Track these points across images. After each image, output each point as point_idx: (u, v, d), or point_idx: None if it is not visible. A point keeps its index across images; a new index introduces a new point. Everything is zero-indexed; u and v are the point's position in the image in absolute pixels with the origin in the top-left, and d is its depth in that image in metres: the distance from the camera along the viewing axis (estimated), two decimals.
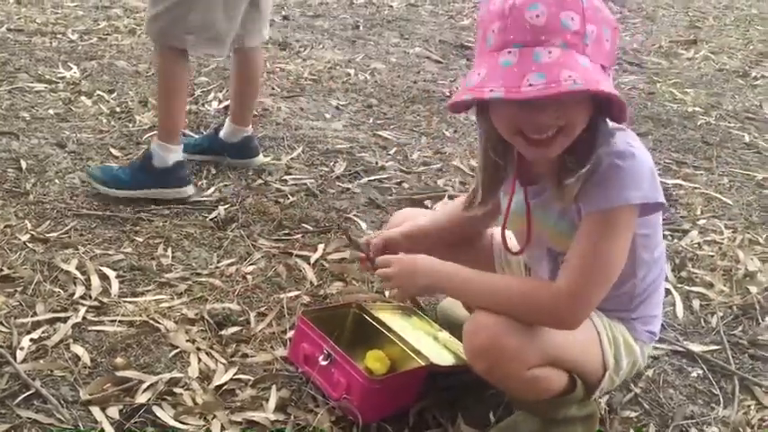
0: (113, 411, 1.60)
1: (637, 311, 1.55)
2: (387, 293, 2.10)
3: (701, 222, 2.70)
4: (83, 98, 3.32)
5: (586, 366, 1.50)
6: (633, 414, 1.75)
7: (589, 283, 1.34)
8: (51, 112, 3.14)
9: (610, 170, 1.30)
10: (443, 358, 1.80)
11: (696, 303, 2.21)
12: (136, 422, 1.57)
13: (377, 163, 2.99)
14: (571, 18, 1.21)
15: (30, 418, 1.56)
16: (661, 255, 1.56)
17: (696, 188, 2.99)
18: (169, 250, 2.23)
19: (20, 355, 1.73)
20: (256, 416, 1.62)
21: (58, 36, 4.14)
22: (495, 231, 1.74)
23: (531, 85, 1.17)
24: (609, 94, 1.20)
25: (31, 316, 1.87)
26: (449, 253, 1.56)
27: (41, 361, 1.73)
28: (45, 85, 3.41)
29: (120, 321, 1.88)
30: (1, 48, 3.83)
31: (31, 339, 1.78)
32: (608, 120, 1.34)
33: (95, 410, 1.59)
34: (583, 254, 1.34)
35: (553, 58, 1.19)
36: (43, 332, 1.82)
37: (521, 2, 1.21)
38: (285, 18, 5.11)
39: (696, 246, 2.54)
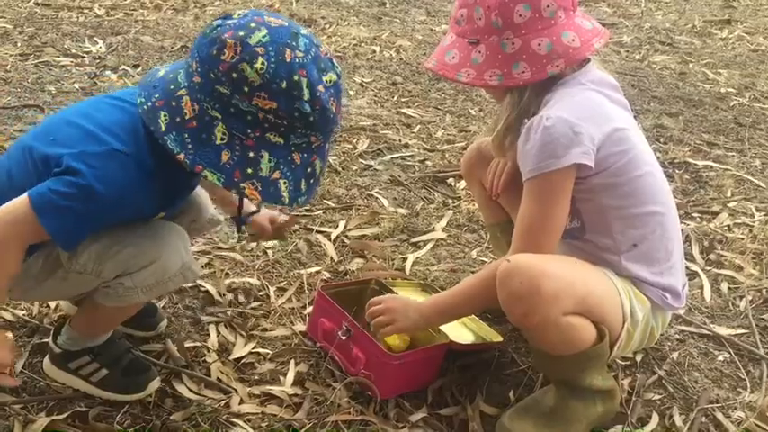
0: None
1: (635, 270, 1.52)
2: (410, 263, 2.09)
3: (732, 205, 2.63)
4: (108, 72, 3.33)
5: (611, 316, 1.48)
6: (657, 397, 1.71)
7: (530, 244, 1.46)
8: (77, 86, 3.16)
9: (529, 140, 1.44)
10: (463, 336, 1.78)
11: (724, 286, 2.16)
12: (153, 394, 1.57)
13: (400, 140, 2.96)
14: (455, 8, 1.51)
15: (55, 389, 1.57)
16: (654, 212, 1.53)
17: (727, 170, 2.92)
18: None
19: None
20: (274, 389, 1.62)
21: (85, 11, 4.15)
22: None
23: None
24: (428, 67, 1.53)
25: None
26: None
27: None
28: (71, 60, 3.43)
29: None
30: (28, 22, 3.85)
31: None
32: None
33: None
34: (523, 220, 1.49)
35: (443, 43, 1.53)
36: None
37: None
38: None
39: (726, 228, 2.48)
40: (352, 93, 3.44)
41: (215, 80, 1.21)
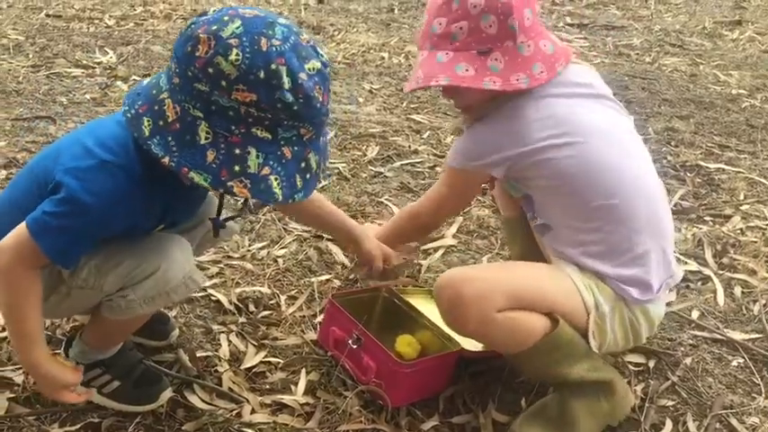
0: None
1: (592, 263, 1.52)
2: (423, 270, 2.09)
3: (744, 208, 2.62)
4: (119, 83, 3.36)
5: (566, 307, 1.51)
6: (670, 403, 1.70)
7: (428, 212, 1.78)
8: (88, 96, 3.18)
9: (470, 128, 1.59)
10: (474, 343, 1.77)
11: (738, 290, 2.14)
12: (165, 404, 1.57)
13: (410, 147, 2.96)
14: (439, 23, 1.48)
15: None
16: (607, 206, 1.52)
17: (739, 172, 2.90)
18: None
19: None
20: (286, 398, 1.62)
21: (96, 21, 4.19)
22: None
23: (408, 81, 1.53)
24: (434, 85, 1.49)
25: None
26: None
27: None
28: (82, 70, 3.46)
29: None
30: (40, 33, 3.88)
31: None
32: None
33: None
34: (431, 189, 1.77)
35: (421, 59, 1.51)
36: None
37: (425, 12, 1.54)
38: (320, 2, 5.10)
39: (738, 231, 2.46)
40: (361, 99, 3.44)
41: (193, 78, 1.18)
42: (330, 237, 2.26)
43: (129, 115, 1.25)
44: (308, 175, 1.27)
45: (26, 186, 1.38)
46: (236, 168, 1.20)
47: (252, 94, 1.17)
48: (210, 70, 1.17)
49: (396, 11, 5.08)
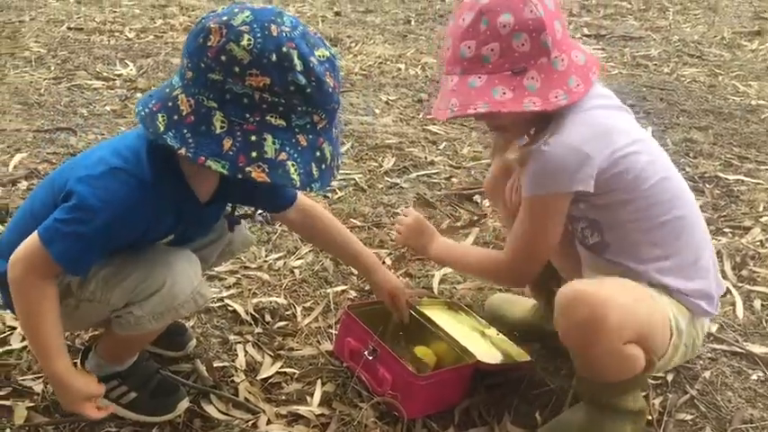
0: None
1: (666, 280, 1.50)
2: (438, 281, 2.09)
3: (764, 219, 2.59)
4: (138, 95, 3.39)
5: (660, 336, 1.48)
6: (689, 417, 1.68)
7: (518, 258, 1.57)
8: (108, 108, 3.22)
9: (537, 159, 1.48)
10: (491, 356, 1.77)
11: (757, 303, 2.12)
12: (182, 415, 1.58)
13: (426, 158, 2.97)
14: (468, 47, 1.42)
15: None
16: (676, 218, 1.52)
17: (759, 184, 2.87)
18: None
19: None
20: (301, 409, 1.62)
21: (116, 34, 4.24)
22: None
23: (441, 108, 1.45)
24: (473, 114, 1.43)
25: None
26: None
27: None
28: (102, 83, 3.50)
29: None
30: (61, 46, 3.94)
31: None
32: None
33: None
34: (517, 233, 1.56)
35: (451, 85, 1.44)
36: None
37: (445, 35, 1.48)
38: (337, 14, 5.13)
39: (758, 243, 2.43)
40: (377, 111, 3.46)
41: (206, 68, 1.20)
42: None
43: (143, 114, 1.27)
44: (323, 166, 1.27)
45: (44, 198, 1.40)
46: (254, 154, 1.20)
47: (265, 78, 1.19)
48: (223, 58, 1.19)
49: (412, 22, 5.10)
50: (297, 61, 1.19)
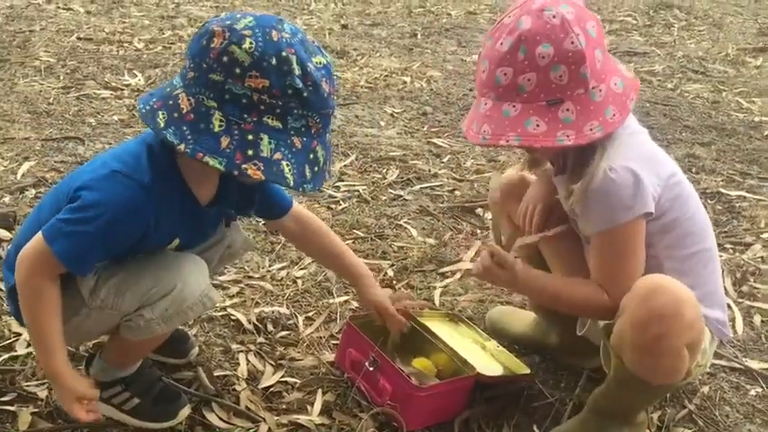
0: None
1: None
2: (439, 293, 2.10)
3: (765, 236, 2.60)
4: None
5: (701, 344, 1.49)
6: (687, 431, 1.69)
7: (618, 283, 1.46)
8: (116, 118, 3.25)
9: (596, 194, 1.44)
10: (491, 368, 1.78)
11: (757, 319, 2.13)
12: (184, 422, 1.60)
13: (430, 170, 2.99)
14: (504, 74, 1.39)
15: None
16: (705, 249, 1.55)
17: (761, 200, 2.88)
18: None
19: None
20: (302, 418, 1.64)
21: (125, 45, 4.29)
22: None
23: (474, 130, 1.44)
24: (504, 145, 1.40)
25: None
26: None
27: None
28: (111, 92, 3.54)
29: None
30: (71, 56, 3.98)
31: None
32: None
33: None
34: (602, 266, 1.51)
35: (485, 110, 1.43)
36: None
37: (481, 56, 1.45)
38: (344, 27, 5.17)
39: (759, 260, 2.44)
40: (382, 123, 3.48)
41: (208, 69, 1.25)
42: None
43: (144, 111, 1.31)
44: (315, 168, 1.32)
45: (50, 206, 1.44)
46: (250, 152, 1.25)
47: (264, 80, 1.24)
48: (225, 59, 1.24)
49: (418, 36, 5.14)
50: (295, 66, 1.25)
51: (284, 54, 1.24)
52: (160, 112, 1.28)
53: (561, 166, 1.58)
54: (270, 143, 1.26)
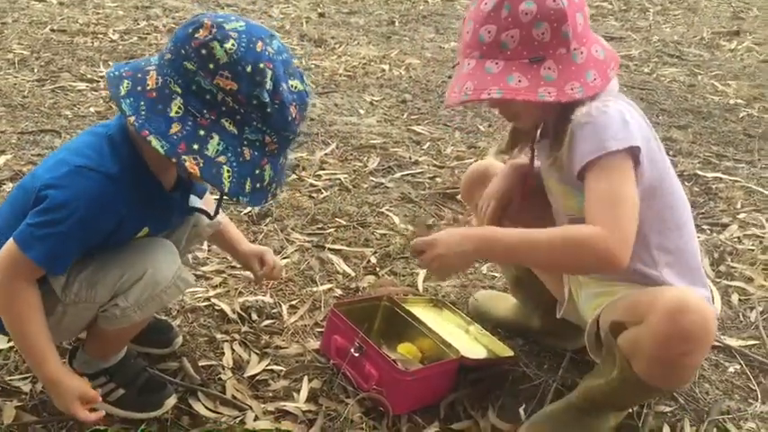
0: None
1: (678, 283, 1.51)
2: (422, 279, 2.12)
3: (742, 216, 2.64)
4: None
5: None
6: (668, 409, 1.72)
7: (617, 218, 1.34)
8: (92, 110, 3.22)
9: (585, 128, 1.40)
10: (474, 351, 1.80)
11: (735, 298, 2.17)
12: (171, 411, 1.60)
13: (410, 158, 2.99)
14: (488, 31, 1.40)
15: None
16: (688, 221, 1.56)
17: (737, 181, 2.93)
18: (205, 244, 2.26)
19: None
20: (288, 405, 1.64)
21: (100, 36, 4.23)
22: None
23: (455, 91, 1.43)
24: (486, 99, 1.40)
25: None
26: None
27: None
28: (86, 84, 3.50)
29: (156, 313, 1.92)
30: (45, 48, 3.93)
31: None
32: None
33: None
34: (598, 198, 1.37)
35: (468, 69, 1.42)
36: None
37: (466, 19, 1.46)
38: (321, 15, 5.15)
39: (736, 240, 2.49)
40: (362, 111, 3.48)
41: (184, 56, 1.25)
42: (331, 247, 2.30)
43: (111, 75, 1.30)
44: (257, 185, 1.30)
45: (16, 205, 1.42)
46: (195, 146, 1.24)
47: (234, 83, 1.23)
48: (204, 51, 1.24)
49: (396, 23, 5.13)
50: (268, 80, 1.25)
51: (261, 66, 1.24)
52: (126, 81, 1.28)
53: (543, 131, 1.58)
54: (218, 145, 1.25)
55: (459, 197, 2.69)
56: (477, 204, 1.79)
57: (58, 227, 1.30)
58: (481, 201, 1.75)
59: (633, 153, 1.38)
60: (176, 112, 1.25)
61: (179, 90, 1.25)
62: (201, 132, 1.25)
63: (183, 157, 1.24)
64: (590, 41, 1.44)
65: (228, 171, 1.26)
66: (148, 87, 1.26)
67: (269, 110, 1.26)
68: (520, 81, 1.39)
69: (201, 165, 1.24)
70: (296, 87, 1.29)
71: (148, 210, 1.43)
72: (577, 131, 1.41)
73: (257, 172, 1.29)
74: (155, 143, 1.23)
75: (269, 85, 1.24)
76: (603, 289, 1.57)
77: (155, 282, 1.42)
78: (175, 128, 1.24)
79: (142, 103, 1.25)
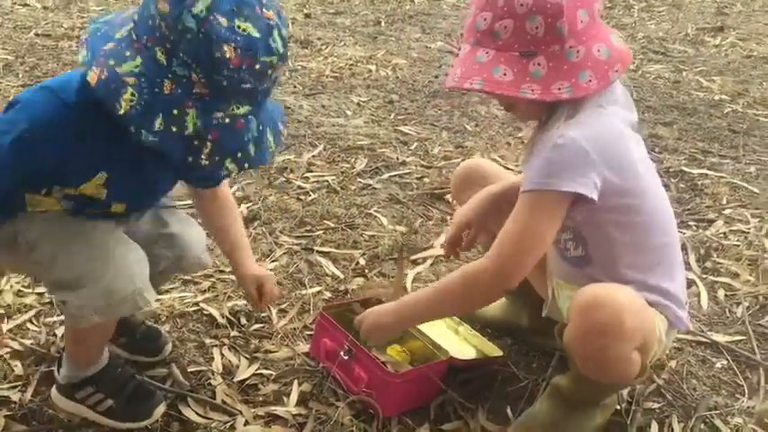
0: None
1: (654, 296, 1.51)
2: (411, 280, 2.12)
3: (727, 212, 2.66)
4: None
5: (653, 347, 1.50)
6: (656, 405, 1.73)
7: (506, 255, 1.43)
8: None
9: (541, 156, 1.40)
10: (464, 352, 1.81)
11: (721, 293, 2.19)
12: (160, 417, 1.60)
13: (398, 158, 3.00)
14: (484, 18, 1.38)
15: (63, 416, 1.60)
16: (664, 244, 1.54)
17: (722, 177, 2.95)
18: None
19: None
20: (279, 410, 1.65)
21: None
22: None
23: (446, 75, 1.42)
24: (468, 89, 1.38)
25: (58, 315, 1.91)
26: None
27: None
28: None
29: (146, 320, 1.91)
30: (29, 53, 3.91)
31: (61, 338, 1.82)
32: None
33: None
34: (505, 230, 1.44)
35: (462, 54, 1.41)
36: None
37: (471, 3, 1.44)
38: (307, 16, 5.14)
39: (721, 235, 2.50)
40: (349, 112, 3.48)
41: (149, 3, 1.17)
42: (320, 249, 2.30)
43: (94, 22, 1.28)
44: (173, 128, 1.16)
45: None
46: (111, 62, 1.17)
47: (166, 5, 1.14)
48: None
49: (382, 24, 5.13)
50: (200, 5, 1.13)
51: None
52: (100, 27, 1.25)
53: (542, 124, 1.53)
54: (136, 68, 1.16)
55: (448, 197, 2.70)
56: (467, 198, 1.80)
57: (2, 137, 1.26)
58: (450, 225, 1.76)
59: (570, 197, 1.39)
60: (120, 36, 1.21)
61: (136, 17, 1.21)
62: (128, 53, 1.17)
63: (94, 67, 1.16)
64: (593, 39, 1.37)
65: (133, 95, 1.14)
66: (117, 22, 1.24)
67: (190, 36, 1.13)
68: (505, 74, 1.36)
69: (103, 77, 1.15)
70: (244, 30, 1.14)
71: (104, 152, 1.33)
72: (540, 149, 1.41)
73: (175, 112, 1.16)
74: (82, 53, 1.19)
75: (198, 9, 1.12)
76: (574, 292, 1.58)
77: (110, 290, 1.36)
78: (109, 45, 1.19)
79: (103, 31, 1.23)
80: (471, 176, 1.84)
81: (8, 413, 1.57)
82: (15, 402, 1.60)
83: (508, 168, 2.69)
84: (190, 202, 2.37)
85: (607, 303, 1.36)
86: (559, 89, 1.35)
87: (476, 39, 1.40)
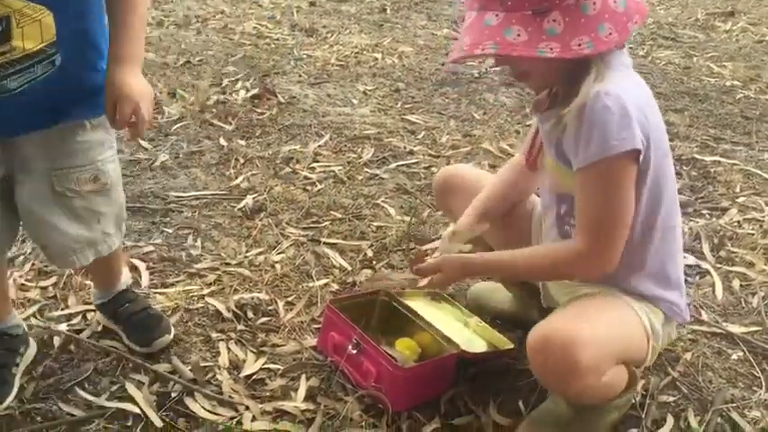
0: (144, 403, 1.61)
1: (644, 287, 1.48)
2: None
3: (741, 200, 2.61)
4: None
5: (638, 346, 1.46)
6: (671, 399, 1.70)
7: (599, 241, 1.36)
8: None
9: (590, 123, 1.30)
10: (474, 345, 1.78)
11: (736, 283, 2.14)
12: (167, 413, 1.57)
13: (405, 148, 2.96)
14: None
15: (67, 413, 1.57)
16: (675, 226, 1.49)
17: (735, 164, 2.89)
18: (198, 241, 2.24)
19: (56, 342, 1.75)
20: (286, 405, 1.62)
21: None
22: (535, 200, 1.73)
23: (453, 50, 1.33)
24: (481, 55, 1.29)
25: (62, 309, 1.89)
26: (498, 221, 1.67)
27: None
28: None
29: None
30: None
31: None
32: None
33: (127, 405, 1.61)
34: (585, 211, 1.36)
35: (469, 22, 1.32)
36: (76, 324, 1.84)
37: None
38: (312, 4, 5.09)
39: (736, 224, 2.46)
40: (355, 101, 3.44)
41: None
42: (327, 241, 2.26)
43: None
44: None
45: None
46: None
47: None
48: None
49: (388, 11, 5.07)
50: None
51: None
52: None
53: (553, 97, 1.46)
54: None
55: None
56: (451, 211, 1.79)
57: None
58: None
59: (634, 155, 1.31)
60: None
61: None
62: None
63: None
64: None
65: None
66: None
67: None
68: (519, 35, 1.25)
69: None
70: None
71: None
72: (583, 116, 1.30)
73: None
74: None
75: None
76: (569, 288, 1.57)
77: None
78: None
79: None
80: (450, 183, 1.79)
81: (7, 412, 1.55)
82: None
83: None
84: (190, 195, 2.34)
85: (557, 344, 1.32)
86: (579, 45, 1.25)
87: (481, 4, 1.30)
